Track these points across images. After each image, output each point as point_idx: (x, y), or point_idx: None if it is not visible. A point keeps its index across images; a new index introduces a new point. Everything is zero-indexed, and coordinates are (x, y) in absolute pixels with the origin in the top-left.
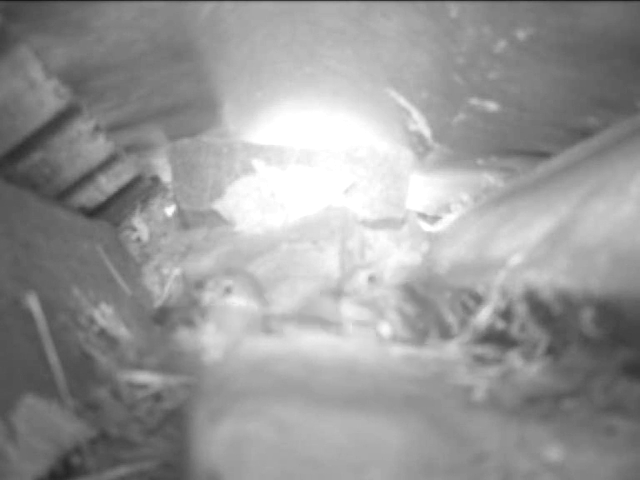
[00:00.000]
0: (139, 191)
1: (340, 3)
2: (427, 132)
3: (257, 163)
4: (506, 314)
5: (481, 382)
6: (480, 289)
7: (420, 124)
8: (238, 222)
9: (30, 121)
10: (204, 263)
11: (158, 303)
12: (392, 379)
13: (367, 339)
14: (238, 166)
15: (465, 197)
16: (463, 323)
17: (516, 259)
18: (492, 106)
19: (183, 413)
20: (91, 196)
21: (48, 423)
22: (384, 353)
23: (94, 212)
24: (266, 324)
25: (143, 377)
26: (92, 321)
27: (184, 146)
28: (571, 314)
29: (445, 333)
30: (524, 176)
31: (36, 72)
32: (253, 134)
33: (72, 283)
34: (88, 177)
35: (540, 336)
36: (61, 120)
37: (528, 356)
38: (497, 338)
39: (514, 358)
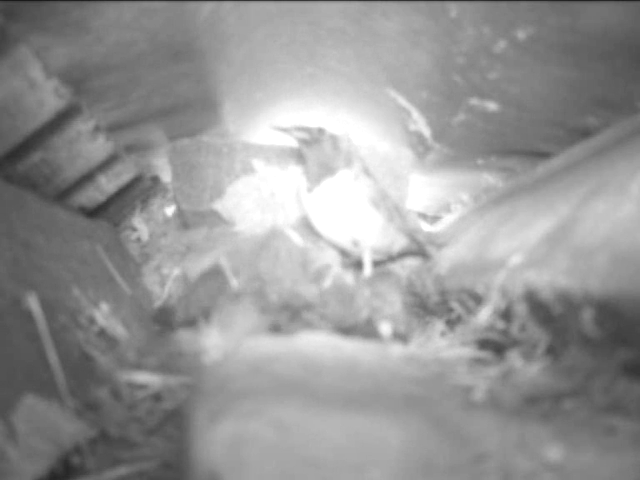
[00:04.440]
0: (139, 191)
1: (340, 3)
2: (427, 132)
3: (257, 163)
4: (506, 314)
5: (481, 382)
6: (480, 289)
7: (420, 124)
8: (238, 222)
9: (30, 121)
10: (204, 263)
11: (158, 303)
12: (392, 379)
13: (367, 339)
14: (238, 166)
15: (465, 197)
16: (463, 323)
17: (516, 259)
18: (492, 106)
19: (183, 413)
20: (91, 196)
21: (48, 423)
22: (384, 353)
23: (94, 212)
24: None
25: (143, 377)
26: (92, 321)
27: (184, 146)
28: (571, 314)
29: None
30: (524, 176)
31: (36, 72)
32: (253, 134)
33: (72, 283)
34: (88, 177)
35: (540, 336)
36: (61, 120)
37: (528, 356)
38: (497, 338)
39: (514, 358)
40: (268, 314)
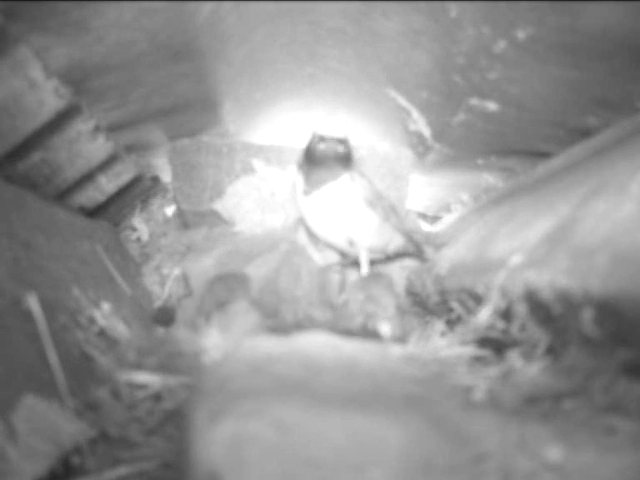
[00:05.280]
0: (139, 191)
1: (340, 3)
2: (427, 132)
3: (257, 163)
4: (506, 314)
5: (481, 382)
6: (480, 289)
7: (420, 124)
8: (238, 222)
9: (30, 121)
10: (204, 263)
11: (158, 303)
12: (392, 379)
13: (367, 339)
14: (238, 166)
15: (465, 197)
16: (463, 323)
17: (516, 259)
18: (492, 106)
19: (183, 413)
20: (91, 196)
21: (48, 423)
22: (384, 353)
23: (94, 212)
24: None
25: (143, 377)
26: (92, 321)
27: (184, 146)
28: (571, 314)
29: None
30: (524, 176)
31: (36, 72)
32: (253, 134)
33: (72, 283)
34: (88, 177)
35: (540, 336)
36: (61, 120)
37: (528, 356)
38: (497, 338)
39: (514, 358)
40: (279, 332)
